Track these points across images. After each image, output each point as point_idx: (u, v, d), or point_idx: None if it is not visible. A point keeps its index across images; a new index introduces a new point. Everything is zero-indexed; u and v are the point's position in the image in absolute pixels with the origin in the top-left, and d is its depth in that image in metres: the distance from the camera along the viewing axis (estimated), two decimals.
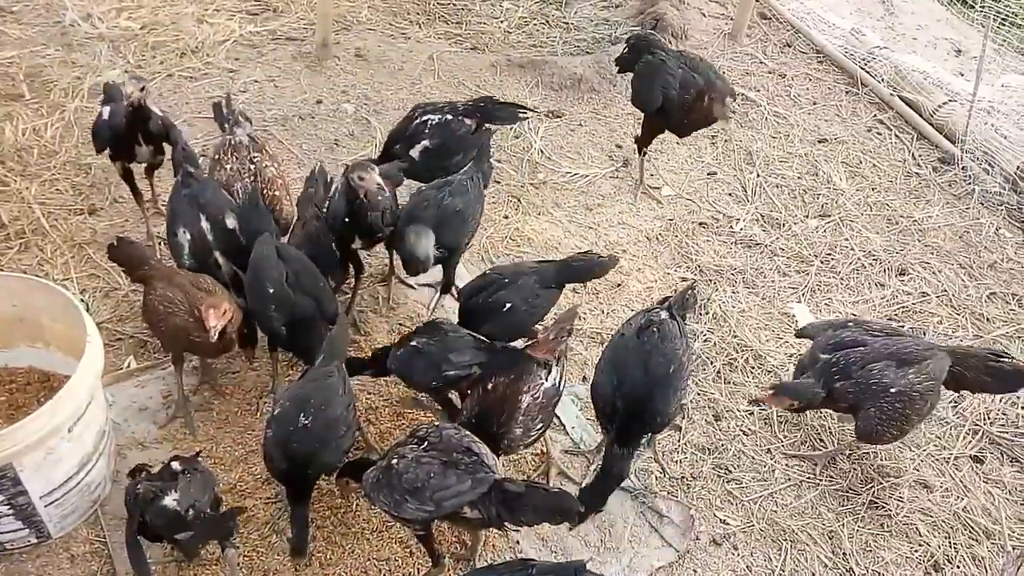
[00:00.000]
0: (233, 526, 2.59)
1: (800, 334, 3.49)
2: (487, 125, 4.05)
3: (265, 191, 3.44)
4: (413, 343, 3.01)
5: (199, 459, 2.76)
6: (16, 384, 3.03)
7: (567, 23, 5.90)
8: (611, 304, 4.00)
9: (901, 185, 4.87)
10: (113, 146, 3.60)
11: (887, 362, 3.08)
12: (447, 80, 5.24)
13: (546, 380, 2.92)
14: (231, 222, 3.30)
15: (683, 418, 3.43)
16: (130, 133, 3.51)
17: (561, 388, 2.99)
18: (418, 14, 5.76)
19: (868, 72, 5.58)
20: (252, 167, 3.49)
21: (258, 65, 5.02)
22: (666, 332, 2.98)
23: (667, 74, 4.13)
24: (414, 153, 3.88)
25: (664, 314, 3.03)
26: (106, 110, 3.59)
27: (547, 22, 5.90)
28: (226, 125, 3.69)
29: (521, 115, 4.09)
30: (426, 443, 2.64)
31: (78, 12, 5.02)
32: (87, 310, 3.48)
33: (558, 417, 3.44)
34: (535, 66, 5.39)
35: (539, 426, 2.92)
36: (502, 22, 5.82)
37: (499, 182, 4.61)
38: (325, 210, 3.42)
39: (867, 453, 3.43)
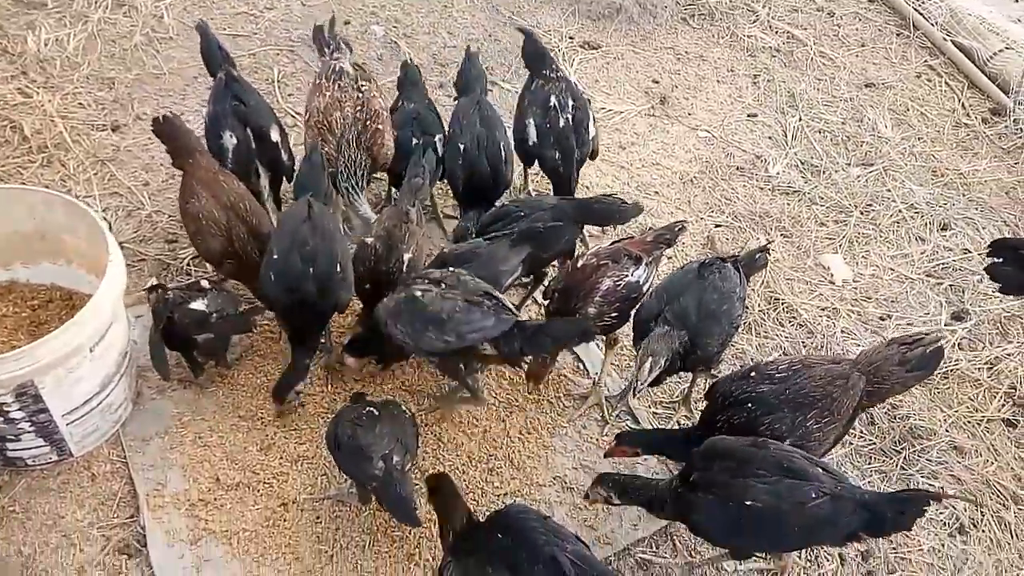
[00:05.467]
0: (249, 322, 2.98)
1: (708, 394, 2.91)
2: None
3: (368, 123, 3.32)
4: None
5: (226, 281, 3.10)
6: (38, 301, 3.00)
7: None
8: None
9: (949, 136, 4.67)
10: None
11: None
12: (480, 5, 5.03)
13: (632, 274, 2.99)
14: (275, 135, 3.32)
15: (717, 367, 3.32)
16: None
17: (645, 288, 3.05)
18: None
19: (921, 13, 5.31)
20: (359, 96, 3.34)
21: None
22: (727, 275, 2.96)
23: None
24: None
25: (729, 264, 3.00)
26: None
27: None
28: (326, 50, 3.54)
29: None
30: (443, 284, 2.74)
31: None
32: (109, 228, 3.44)
33: (582, 361, 3.39)
34: None
35: (614, 314, 2.99)
36: None
37: None
38: None
39: (902, 413, 3.36)
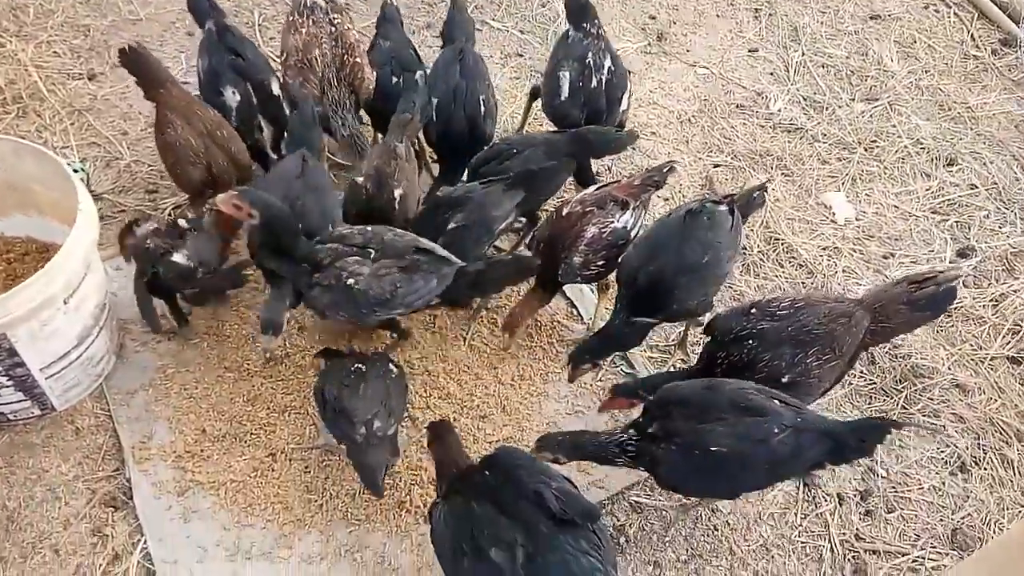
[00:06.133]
0: (241, 277, 2.86)
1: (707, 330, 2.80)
2: None
3: (346, 58, 3.19)
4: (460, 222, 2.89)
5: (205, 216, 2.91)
6: (13, 254, 2.92)
7: None
8: None
9: (957, 68, 4.49)
10: None
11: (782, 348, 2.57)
12: None
13: (618, 220, 2.90)
14: (276, 88, 3.21)
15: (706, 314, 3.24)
16: None
17: (632, 234, 2.94)
18: None
19: None
20: (333, 30, 3.19)
21: None
22: (716, 222, 2.79)
23: None
24: None
25: (723, 207, 2.82)
26: None
27: None
28: None
29: None
30: (371, 251, 2.64)
31: None
32: (87, 179, 3.35)
33: (575, 306, 3.31)
34: None
35: (600, 263, 2.91)
36: None
37: (522, 55, 4.31)
38: None
39: (903, 352, 3.27)
